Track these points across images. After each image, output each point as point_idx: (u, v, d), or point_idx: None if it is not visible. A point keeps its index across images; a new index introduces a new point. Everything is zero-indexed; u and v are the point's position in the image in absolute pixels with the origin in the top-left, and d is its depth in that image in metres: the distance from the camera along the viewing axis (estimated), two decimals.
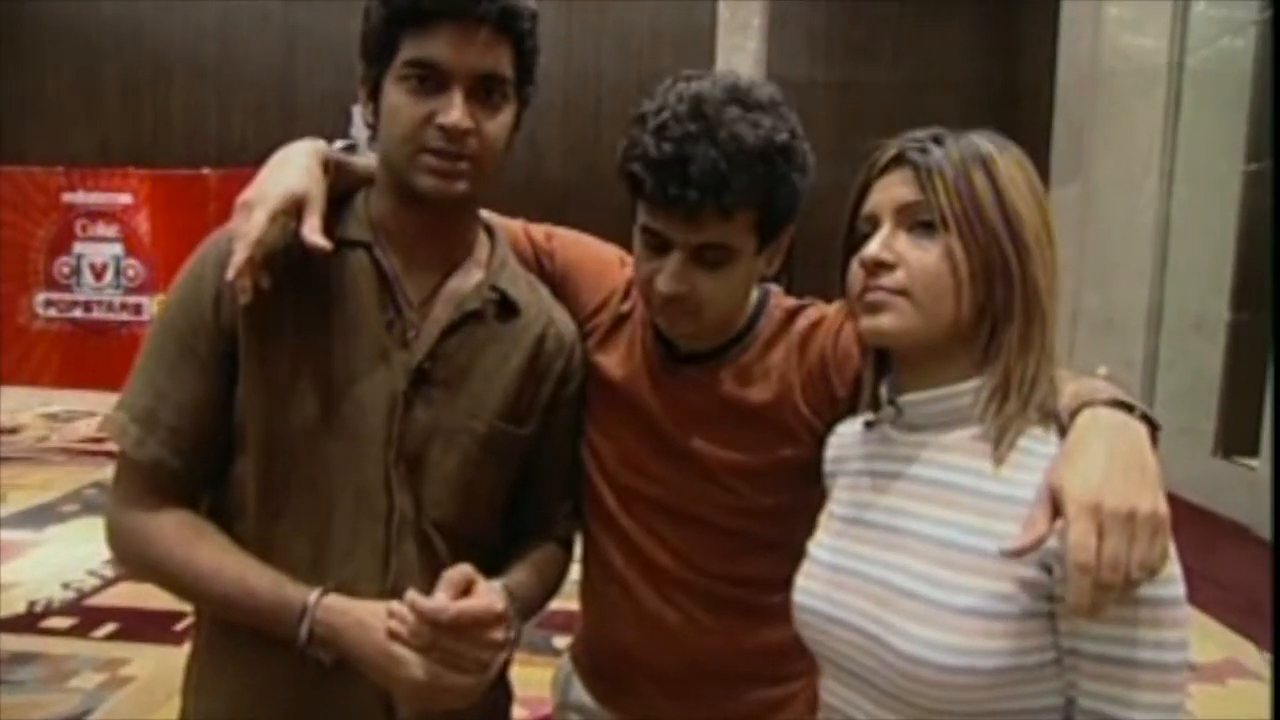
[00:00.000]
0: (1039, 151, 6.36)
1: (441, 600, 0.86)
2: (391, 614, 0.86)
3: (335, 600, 0.89)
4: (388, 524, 0.96)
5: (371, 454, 0.96)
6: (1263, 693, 2.80)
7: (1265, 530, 4.25)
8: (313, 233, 0.91)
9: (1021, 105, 6.97)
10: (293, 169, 0.96)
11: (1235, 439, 4.82)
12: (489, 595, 0.89)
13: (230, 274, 0.88)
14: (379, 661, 0.86)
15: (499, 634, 0.88)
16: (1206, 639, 3.06)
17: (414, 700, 0.88)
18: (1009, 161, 0.82)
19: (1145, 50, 5.59)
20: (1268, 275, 4.36)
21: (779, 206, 0.96)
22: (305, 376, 0.95)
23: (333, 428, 0.95)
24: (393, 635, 0.85)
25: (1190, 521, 4.61)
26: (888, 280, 0.81)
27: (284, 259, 0.93)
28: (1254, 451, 4.55)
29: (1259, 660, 2.98)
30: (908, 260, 0.80)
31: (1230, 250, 5.01)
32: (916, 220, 0.81)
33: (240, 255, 0.88)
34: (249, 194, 0.93)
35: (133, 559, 0.96)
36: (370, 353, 0.96)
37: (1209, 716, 2.62)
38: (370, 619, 0.87)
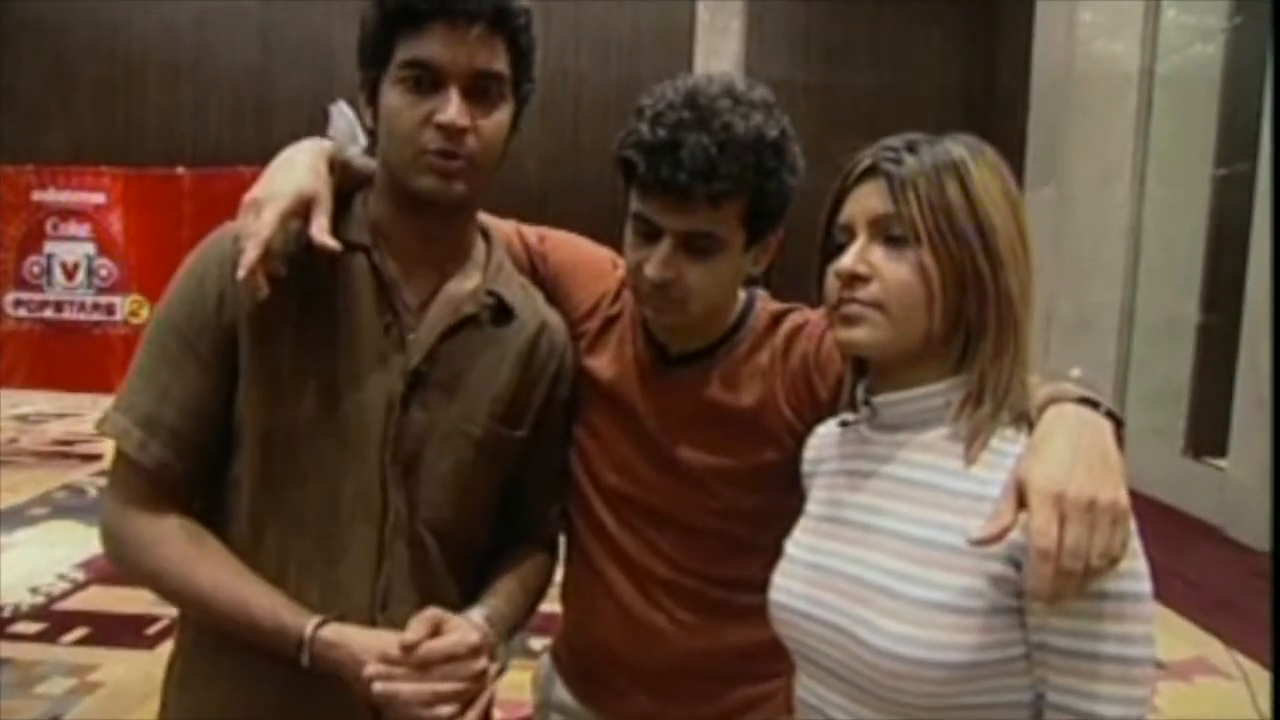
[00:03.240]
0: (1013, 155, 6.39)
1: (413, 636, 0.87)
2: (372, 665, 0.86)
3: (330, 633, 0.89)
4: (382, 525, 0.97)
5: (368, 455, 0.96)
6: (1229, 690, 2.84)
7: (1233, 529, 4.33)
8: (322, 233, 0.91)
9: (996, 109, 7.05)
10: (300, 168, 0.96)
11: (1205, 439, 4.90)
12: (459, 630, 0.89)
13: (241, 273, 0.87)
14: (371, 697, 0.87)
15: (479, 664, 0.89)
16: (1175, 637, 3.10)
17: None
18: (983, 168, 0.81)
19: (1117, 56, 5.68)
20: (1240, 279, 4.44)
21: (767, 200, 0.98)
22: (304, 377, 0.95)
23: (330, 429, 0.95)
24: (376, 678, 0.86)
25: (1160, 520, 4.67)
26: (862, 293, 0.81)
27: (288, 260, 0.93)
28: (1223, 452, 4.62)
29: (1226, 658, 3.03)
30: (882, 273, 0.81)
31: (1200, 254, 5.09)
32: (890, 233, 0.81)
33: (252, 254, 0.87)
34: (257, 192, 0.93)
35: (131, 566, 0.95)
36: (368, 355, 0.96)
37: (1176, 713, 2.66)
38: (361, 654, 0.87)
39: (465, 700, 0.88)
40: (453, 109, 0.90)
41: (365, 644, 0.88)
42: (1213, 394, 4.81)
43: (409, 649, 0.86)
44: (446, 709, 0.86)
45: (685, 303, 1.00)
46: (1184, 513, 4.64)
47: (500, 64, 0.93)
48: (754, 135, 0.95)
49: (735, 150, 0.94)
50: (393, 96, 0.93)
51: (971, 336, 0.81)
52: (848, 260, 0.82)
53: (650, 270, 0.98)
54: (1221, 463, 4.66)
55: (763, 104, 0.98)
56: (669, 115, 0.95)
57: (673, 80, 1.00)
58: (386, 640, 0.87)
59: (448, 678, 0.87)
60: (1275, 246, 4.06)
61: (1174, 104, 5.44)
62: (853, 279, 0.81)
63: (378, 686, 0.85)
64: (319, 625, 0.89)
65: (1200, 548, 4.21)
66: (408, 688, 0.85)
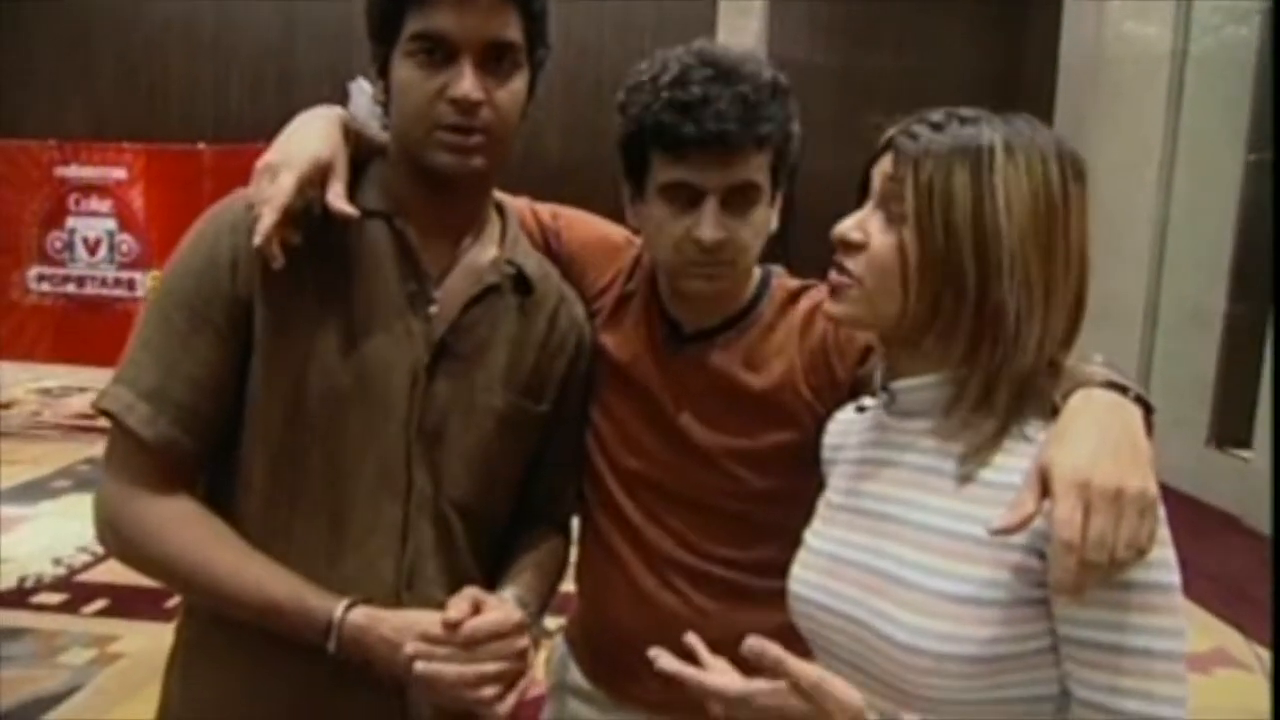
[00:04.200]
0: None
1: (458, 615, 0.85)
2: (412, 643, 0.84)
3: (360, 615, 0.86)
4: (406, 502, 0.94)
5: (392, 429, 0.94)
6: (1250, 682, 2.82)
7: (1256, 521, 4.27)
8: (338, 199, 0.90)
9: (1023, 92, 6.93)
10: (314, 135, 0.94)
11: (1229, 430, 4.84)
12: (502, 607, 0.88)
13: (257, 239, 0.85)
14: (408, 677, 0.85)
15: (522, 642, 0.87)
16: (1195, 628, 3.07)
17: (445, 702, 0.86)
18: (1015, 164, 0.75)
19: (1148, 38, 5.56)
20: (1268, 268, 4.36)
21: (790, 144, 1.02)
22: (326, 348, 0.92)
23: (353, 401, 0.93)
24: (417, 657, 0.83)
25: (1182, 511, 4.61)
26: (850, 263, 0.80)
27: (304, 227, 0.91)
28: (1247, 443, 4.56)
29: (1246, 650, 3.00)
30: (871, 244, 0.79)
31: (1229, 241, 5.00)
32: (892, 207, 0.79)
33: (268, 220, 0.85)
34: (271, 158, 0.91)
35: (135, 553, 0.92)
36: (392, 324, 0.94)
37: (1196, 705, 2.63)
38: (395, 635, 0.85)
39: (508, 681, 0.85)
40: (466, 82, 0.88)
41: (399, 624, 0.85)
42: (1238, 384, 4.74)
43: (452, 626, 0.83)
44: (490, 690, 0.84)
45: (735, 263, 1.01)
46: (1206, 503, 4.59)
47: (513, 32, 0.91)
48: (773, 81, 1.00)
49: (767, 94, 0.98)
50: (404, 70, 0.90)
51: (943, 334, 0.77)
52: (844, 223, 0.81)
53: (706, 232, 0.97)
54: (1245, 453, 4.60)
55: (761, 60, 1.03)
56: (695, 74, 0.97)
57: (658, 54, 1.02)
58: (424, 620, 0.85)
59: (492, 657, 0.84)
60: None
61: (1206, 87, 5.32)
62: (845, 245, 0.80)
63: (419, 666, 0.82)
64: (348, 608, 0.86)
65: (1222, 538, 4.17)
66: (451, 668, 0.83)
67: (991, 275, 0.74)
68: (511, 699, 0.86)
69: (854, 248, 0.80)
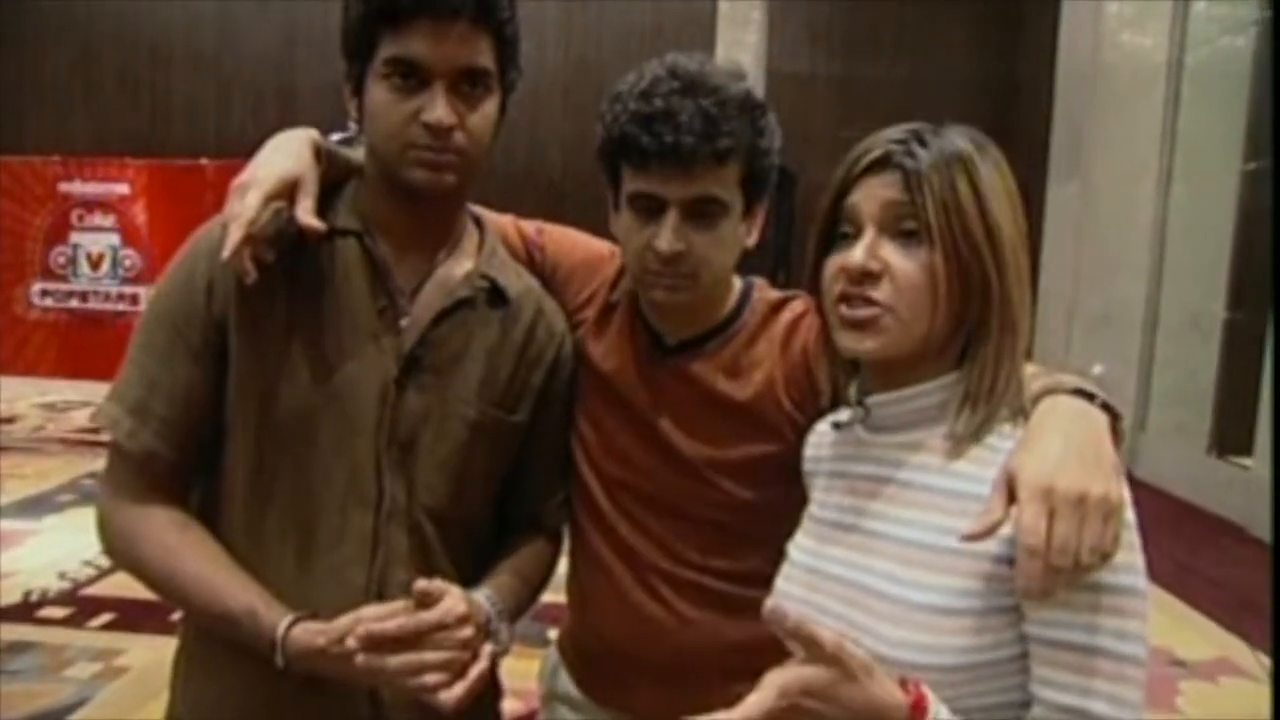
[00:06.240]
0: (1037, 149, 6.36)
1: (391, 617, 0.86)
2: (352, 639, 0.84)
3: (301, 632, 0.87)
4: (377, 511, 0.96)
5: (362, 441, 0.96)
6: (1255, 691, 2.81)
7: (1259, 529, 4.27)
8: (306, 214, 0.92)
9: (1021, 102, 6.98)
10: (285, 154, 0.96)
11: (1230, 437, 4.84)
12: (446, 601, 0.88)
13: (225, 253, 0.88)
14: (356, 678, 0.87)
15: (465, 631, 0.88)
16: (1200, 636, 3.06)
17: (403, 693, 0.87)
18: (989, 165, 0.79)
19: (1145, 48, 5.60)
20: (1268, 275, 4.38)
21: (761, 161, 1.01)
22: (297, 363, 0.95)
23: (325, 414, 0.95)
24: (359, 652, 0.84)
25: (1184, 519, 4.61)
26: (874, 293, 0.78)
27: (276, 246, 0.93)
28: (1248, 450, 4.56)
29: (1251, 659, 3.00)
30: (893, 270, 0.78)
31: (1227, 249, 5.02)
32: (902, 227, 0.78)
33: (235, 235, 0.88)
34: (242, 177, 0.94)
35: (120, 555, 0.96)
36: (362, 339, 0.96)
37: (1201, 714, 2.63)
38: (333, 647, 0.85)
39: (455, 670, 0.86)
40: (439, 110, 0.90)
41: (334, 634, 0.86)
42: (1238, 392, 4.75)
43: (423, 601, 0.85)
44: (434, 676, 0.85)
45: (696, 276, 1.01)
46: (1208, 511, 4.59)
47: (485, 59, 0.93)
48: (743, 95, 0.99)
49: (732, 109, 0.97)
50: (378, 92, 0.93)
51: (972, 342, 0.79)
52: (859, 255, 0.78)
53: (662, 243, 0.98)
54: (1247, 461, 4.60)
55: (740, 75, 1.02)
56: (661, 86, 0.97)
57: (639, 66, 1.02)
58: (363, 615, 0.85)
59: (434, 646, 0.86)
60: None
61: (1202, 97, 5.36)
62: (864, 276, 0.78)
63: (360, 660, 0.83)
64: (291, 625, 0.87)
65: (1224, 546, 4.16)
66: (394, 660, 0.84)
67: (1003, 274, 0.78)
68: (460, 688, 0.86)
69: (874, 277, 0.78)
